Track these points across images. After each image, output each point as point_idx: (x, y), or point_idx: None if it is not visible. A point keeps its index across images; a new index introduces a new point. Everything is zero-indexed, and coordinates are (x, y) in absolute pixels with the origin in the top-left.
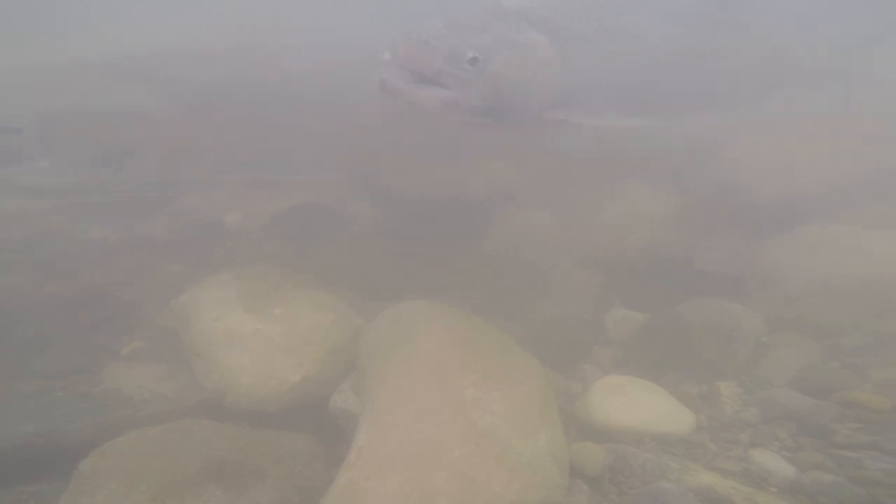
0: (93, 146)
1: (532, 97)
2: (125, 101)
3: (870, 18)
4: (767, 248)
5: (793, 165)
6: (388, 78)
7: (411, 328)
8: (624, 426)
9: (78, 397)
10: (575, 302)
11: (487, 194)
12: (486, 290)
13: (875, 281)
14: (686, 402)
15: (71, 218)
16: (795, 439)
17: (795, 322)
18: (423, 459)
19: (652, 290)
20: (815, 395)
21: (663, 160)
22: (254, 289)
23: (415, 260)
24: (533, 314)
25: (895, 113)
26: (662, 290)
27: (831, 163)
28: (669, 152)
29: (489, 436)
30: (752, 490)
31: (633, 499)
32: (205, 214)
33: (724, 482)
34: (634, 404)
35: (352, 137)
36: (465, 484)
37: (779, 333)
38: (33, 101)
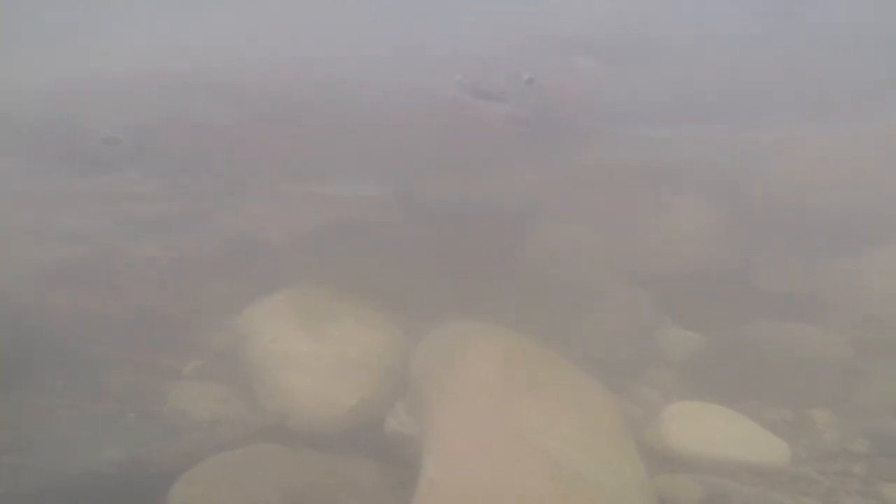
0: (173, 157)
1: (580, 111)
2: (201, 113)
3: None
4: (841, 267)
5: (856, 179)
6: (459, 94)
7: (464, 350)
8: (707, 456)
9: (149, 419)
10: (624, 320)
11: (526, 208)
12: (528, 308)
13: None
14: (772, 430)
15: (126, 236)
16: None
17: (888, 346)
18: (499, 494)
19: (708, 310)
20: None
21: (709, 173)
22: (306, 308)
23: (455, 276)
24: (580, 334)
25: None
26: (720, 309)
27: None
28: (714, 165)
29: (564, 467)
30: None
31: None
32: (249, 231)
33: None
34: (716, 432)
35: (395, 153)
36: None
37: (870, 358)
38: (123, 112)
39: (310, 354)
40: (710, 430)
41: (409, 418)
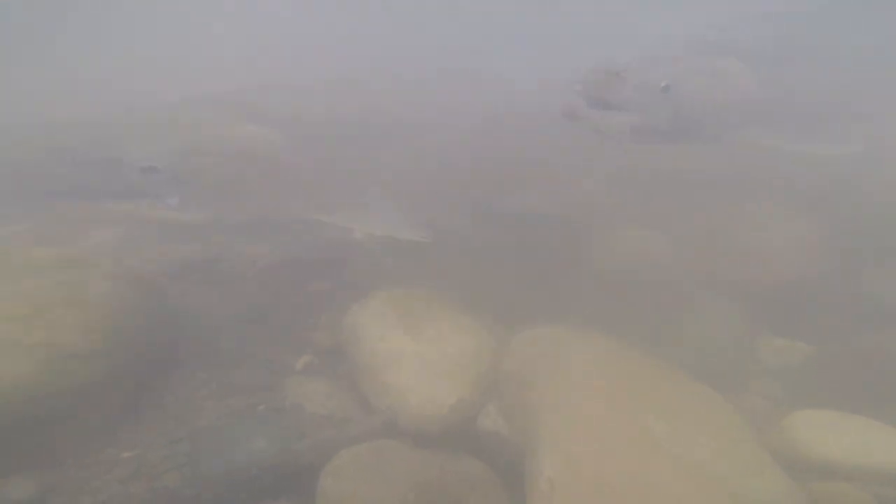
0: (215, 184)
1: (721, 119)
2: (239, 138)
3: None
4: None
5: None
6: (576, 105)
7: (565, 354)
8: (858, 465)
9: (277, 413)
10: (721, 330)
11: (616, 215)
12: (617, 317)
13: None
14: None
15: (228, 238)
16: None
17: None
18: (631, 493)
19: (811, 320)
20: None
21: (806, 184)
22: (406, 310)
23: (540, 282)
24: (675, 342)
25: None
26: (824, 319)
27: None
28: (811, 176)
29: (705, 473)
30: None
31: None
32: (337, 233)
33: None
34: (859, 440)
35: (472, 166)
36: None
37: None
38: (162, 140)
39: (414, 355)
40: (852, 438)
41: (503, 420)
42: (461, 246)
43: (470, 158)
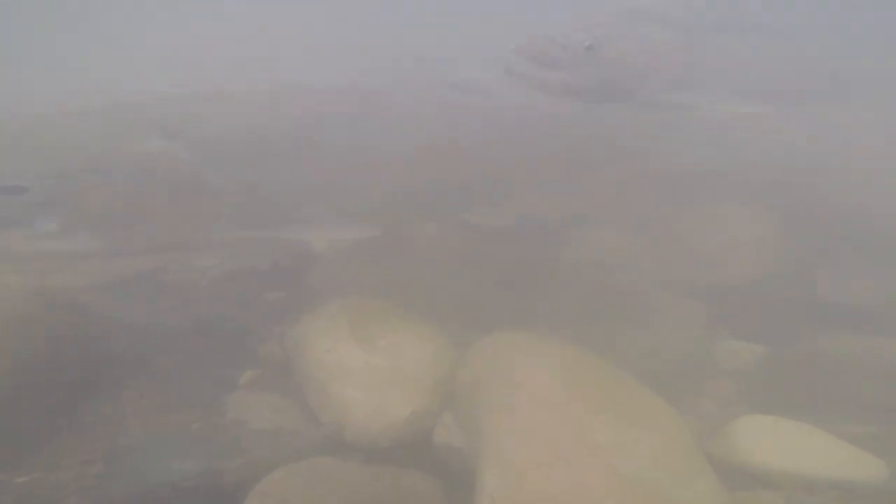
0: (106, 206)
1: (645, 80)
2: (139, 154)
3: None
4: None
5: None
6: (514, 65)
7: (517, 361)
8: (789, 472)
9: (213, 430)
10: (677, 331)
11: (572, 215)
12: (576, 319)
13: None
14: (860, 446)
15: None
16: None
17: None
18: None
19: (767, 321)
20: None
21: (765, 174)
22: (359, 319)
23: (500, 287)
24: (632, 344)
25: None
26: (780, 321)
27: None
28: (767, 165)
29: (638, 482)
30: None
31: None
32: (295, 243)
33: None
34: (798, 446)
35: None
36: None
37: None
38: (41, 157)
39: (363, 366)
40: (791, 444)
41: (459, 430)
42: (425, 252)
43: (430, 160)
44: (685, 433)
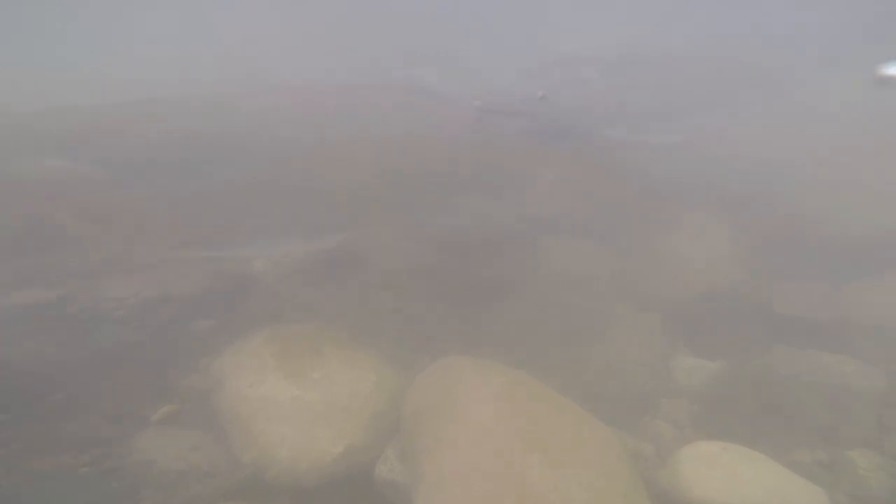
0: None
1: (588, 119)
2: (38, 174)
3: None
4: (869, 291)
5: (880, 196)
6: (482, 115)
7: (460, 391)
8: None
9: (106, 473)
10: (635, 348)
11: (532, 227)
12: (531, 338)
13: None
14: (805, 474)
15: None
16: None
17: None
18: None
19: (725, 336)
20: None
21: (724, 185)
22: (290, 350)
23: (451, 304)
24: (588, 364)
25: None
26: (738, 335)
27: None
28: (729, 176)
29: None
30: None
31: None
32: (231, 263)
33: None
34: (740, 477)
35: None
36: None
37: None
38: None
39: (292, 399)
40: (733, 475)
41: (402, 465)
42: (378, 268)
43: (386, 167)
44: (626, 469)
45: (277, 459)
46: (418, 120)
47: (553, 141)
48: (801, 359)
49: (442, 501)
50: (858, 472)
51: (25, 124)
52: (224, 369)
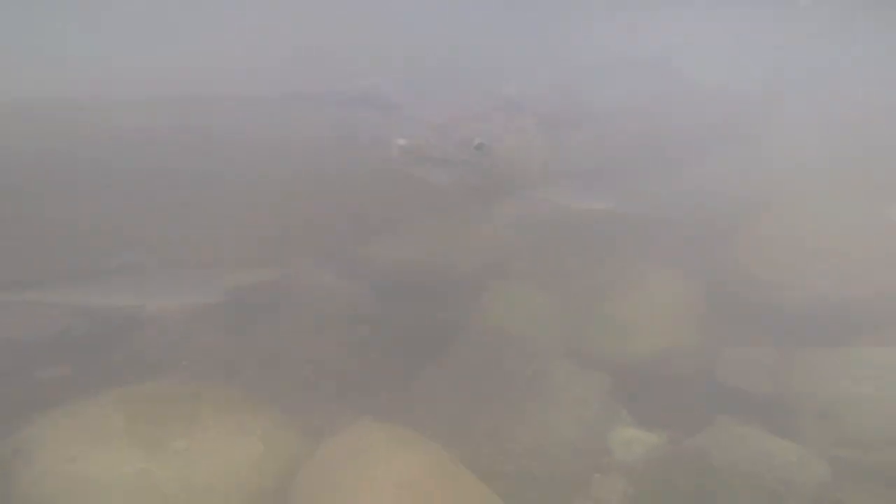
0: None
1: (523, 174)
2: None
3: None
4: (819, 365)
5: (836, 253)
6: (403, 158)
7: (359, 475)
8: None
9: None
10: (573, 417)
11: (469, 271)
12: (460, 402)
13: None
14: None
15: None
16: None
17: (870, 472)
18: None
19: (668, 403)
20: None
21: (677, 237)
22: (153, 412)
23: (375, 359)
24: (519, 436)
25: None
26: (681, 403)
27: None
28: (683, 228)
29: None
30: None
31: None
32: (116, 301)
33: None
34: None
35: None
36: None
37: (851, 485)
38: None
39: (136, 474)
40: None
41: None
42: (290, 311)
43: (307, 191)
44: None
45: None
46: (333, 149)
47: (481, 198)
48: (741, 443)
49: None
50: None
51: None
52: (42, 436)
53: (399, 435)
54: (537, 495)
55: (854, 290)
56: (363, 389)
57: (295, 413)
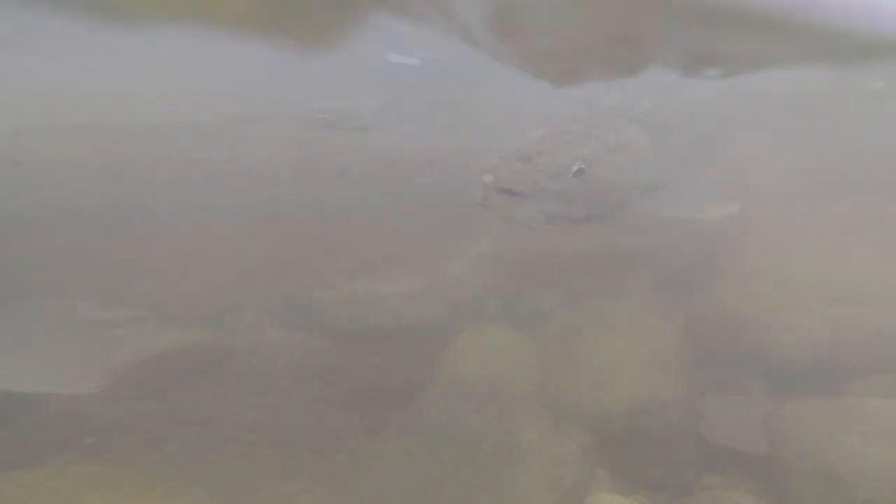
0: None
1: (631, 195)
2: None
3: None
4: (806, 416)
5: (833, 291)
6: (489, 196)
7: None
8: None
9: None
10: (544, 485)
11: (442, 314)
12: (416, 476)
13: None
14: None
15: None
16: None
17: None
18: None
19: (649, 462)
20: None
21: (661, 270)
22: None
23: (329, 422)
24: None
25: None
26: (664, 462)
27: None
28: (668, 258)
29: None
30: None
31: None
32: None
33: None
34: None
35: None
36: None
37: None
38: None
39: None
40: None
41: None
42: (236, 375)
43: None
44: None
45: None
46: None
47: (578, 224)
48: None
49: None
50: None
51: None
52: None
53: None
54: None
55: (851, 332)
56: (311, 458)
57: (227, 490)
